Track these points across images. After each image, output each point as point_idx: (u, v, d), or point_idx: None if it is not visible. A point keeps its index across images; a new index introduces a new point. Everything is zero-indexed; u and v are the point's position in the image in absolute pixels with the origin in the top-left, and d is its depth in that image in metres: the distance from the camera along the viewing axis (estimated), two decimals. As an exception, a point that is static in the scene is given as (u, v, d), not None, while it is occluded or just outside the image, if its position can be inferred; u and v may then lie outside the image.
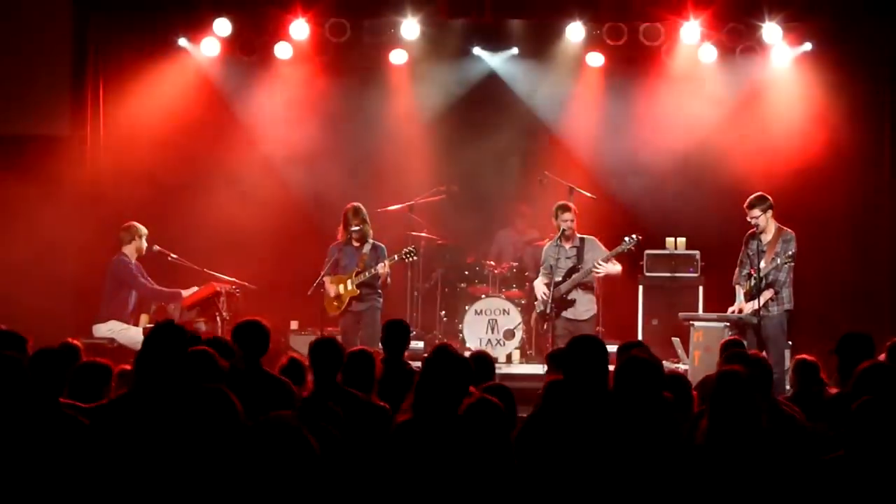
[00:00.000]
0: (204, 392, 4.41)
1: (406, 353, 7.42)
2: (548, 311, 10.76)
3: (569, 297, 10.75)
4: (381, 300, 10.81)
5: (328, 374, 5.85)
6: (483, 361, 6.79)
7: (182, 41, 12.37)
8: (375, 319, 10.54)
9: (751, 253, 10.04)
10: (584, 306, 10.77)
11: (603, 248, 10.76)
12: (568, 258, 10.78)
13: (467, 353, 7.30)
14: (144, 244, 10.84)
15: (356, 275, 10.68)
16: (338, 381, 5.87)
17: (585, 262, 10.70)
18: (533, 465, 4.77)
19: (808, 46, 12.18)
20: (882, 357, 6.79)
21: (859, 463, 4.42)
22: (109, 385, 6.01)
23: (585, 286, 10.77)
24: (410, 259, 11.07)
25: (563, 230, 10.68)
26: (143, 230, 10.87)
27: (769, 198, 10.10)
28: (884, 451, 4.40)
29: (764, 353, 8.16)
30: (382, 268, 10.60)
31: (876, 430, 4.43)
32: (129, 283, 10.71)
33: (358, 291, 10.70)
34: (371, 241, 10.84)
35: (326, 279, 10.76)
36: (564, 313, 10.73)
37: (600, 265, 10.58)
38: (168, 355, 5.12)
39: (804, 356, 6.86)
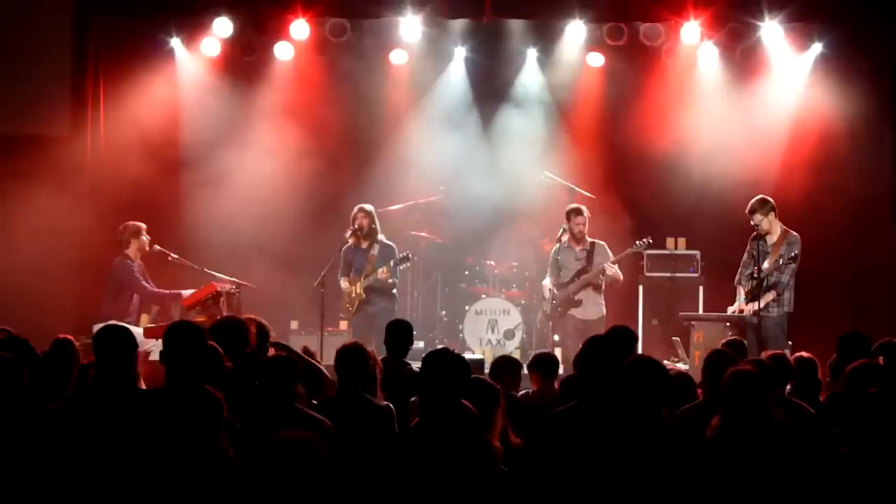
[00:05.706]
0: (187, 391, 4.33)
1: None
2: (549, 311, 10.79)
3: (576, 298, 10.77)
4: (396, 302, 11.00)
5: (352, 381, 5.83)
6: None
7: (182, 41, 12.36)
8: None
9: (755, 254, 10.05)
10: (593, 307, 10.79)
11: (612, 255, 10.79)
12: (577, 260, 10.82)
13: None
14: (145, 239, 10.83)
15: (364, 278, 10.75)
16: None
17: (595, 266, 10.72)
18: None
19: (808, 46, 12.19)
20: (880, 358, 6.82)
21: (865, 458, 4.43)
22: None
23: (595, 287, 10.78)
24: (405, 265, 11.12)
25: (575, 233, 10.71)
26: (141, 226, 10.85)
27: (770, 200, 10.15)
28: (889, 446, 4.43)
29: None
30: (382, 272, 10.65)
31: (883, 424, 4.46)
32: (130, 286, 10.72)
33: (364, 295, 10.77)
34: (380, 241, 10.88)
35: (342, 280, 10.83)
36: (573, 312, 10.76)
37: (611, 266, 10.63)
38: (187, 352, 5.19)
39: (802, 353, 6.88)
